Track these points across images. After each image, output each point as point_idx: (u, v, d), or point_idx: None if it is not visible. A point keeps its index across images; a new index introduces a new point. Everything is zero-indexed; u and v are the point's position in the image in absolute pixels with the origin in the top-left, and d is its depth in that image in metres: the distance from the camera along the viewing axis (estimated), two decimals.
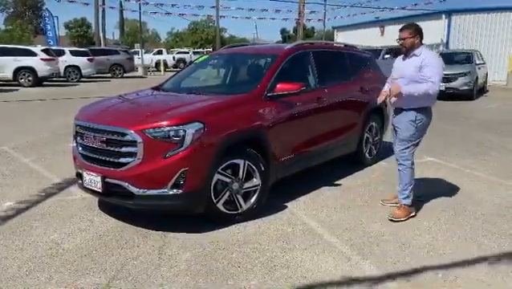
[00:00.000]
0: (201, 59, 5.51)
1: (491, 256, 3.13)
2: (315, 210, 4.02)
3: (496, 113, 10.52)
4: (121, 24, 43.59)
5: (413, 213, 3.85)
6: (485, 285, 2.75)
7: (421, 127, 3.75)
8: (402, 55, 3.89)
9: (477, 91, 14.15)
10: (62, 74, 19.21)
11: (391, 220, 3.74)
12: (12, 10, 62.83)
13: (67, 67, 19.64)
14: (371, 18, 34.15)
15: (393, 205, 4.01)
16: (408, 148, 3.78)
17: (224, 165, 3.54)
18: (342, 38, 29.63)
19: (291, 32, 64.52)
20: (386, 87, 4.00)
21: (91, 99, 5.08)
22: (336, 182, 4.83)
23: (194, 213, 3.60)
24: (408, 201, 3.82)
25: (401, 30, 3.76)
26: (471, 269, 2.95)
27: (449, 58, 14.81)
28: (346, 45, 5.84)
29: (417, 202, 4.06)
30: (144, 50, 32.64)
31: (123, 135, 3.37)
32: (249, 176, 3.72)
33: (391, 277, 2.84)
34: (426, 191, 4.52)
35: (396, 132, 3.92)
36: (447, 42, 22.36)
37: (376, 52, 17.19)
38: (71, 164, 4.07)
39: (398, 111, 3.84)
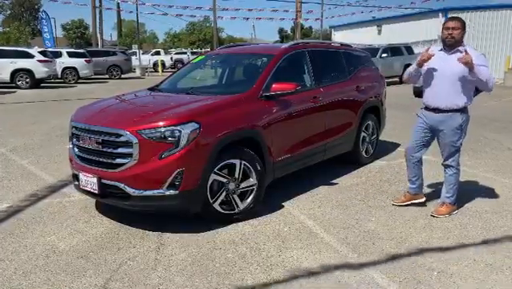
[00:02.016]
0: (197, 59, 5.52)
1: (485, 253, 3.15)
2: (312, 209, 4.03)
3: (492, 111, 10.53)
4: (119, 25, 43.60)
5: (456, 211, 3.90)
6: (479, 281, 2.76)
7: (466, 128, 3.72)
8: (438, 48, 3.68)
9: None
10: (59, 75, 19.21)
11: (432, 216, 3.80)
12: (9, 11, 62.76)
13: (64, 69, 19.64)
14: (368, 17, 34.18)
15: (402, 204, 4.06)
16: (456, 151, 3.74)
17: (220, 165, 3.55)
18: (339, 38, 29.64)
19: (289, 32, 64.61)
20: (412, 68, 3.78)
21: (89, 101, 5.08)
22: (333, 181, 4.83)
23: (190, 213, 3.61)
24: (453, 200, 3.86)
25: (452, 19, 3.57)
26: (466, 266, 2.96)
27: None
28: (342, 44, 5.85)
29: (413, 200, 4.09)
30: (141, 51, 32.60)
31: (119, 136, 3.37)
32: (245, 176, 3.72)
33: (386, 275, 2.85)
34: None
35: (430, 133, 3.82)
36: None
37: (374, 51, 17.29)
38: (68, 166, 4.07)
39: (440, 113, 3.66)
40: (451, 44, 3.55)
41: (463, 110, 3.65)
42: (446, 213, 3.83)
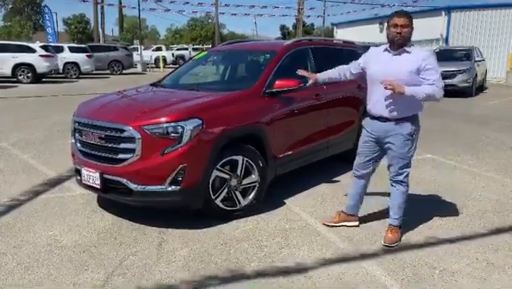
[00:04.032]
0: (199, 56, 5.51)
1: (487, 252, 3.15)
2: (313, 207, 4.03)
3: (494, 110, 10.52)
4: (120, 21, 43.54)
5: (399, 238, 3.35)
6: (481, 280, 2.77)
7: (416, 138, 3.25)
8: (382, 48, 3.24)
9: (476, 88, 14.14)
10: (61, 70, 19.19)
11: (386, 246, 3.23)
12: (11, 6, 62.64)
13: (65, 64, 19.62)
14: (370, 14, 34.11)
15: (335, 225, 3.56)
16: (406, 164, 3.24)
17: (222, 162, 3.55)
18: (341, 35, 29.57)
19: (291, 29, 64.48)
20: (334, 74, 3.46)
21: (90, 96, 5.07)
22: (334, 179, 4.83)
23: (192, 209, 3.61)
24: (399, 222, 3.34)
25: (399, 15, 3.06)
26: (467, 264, 2.96)
27: (448, 54, 14.83)
28: (344, 41, 5.83)
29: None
30: (143, 47, 32.56)
31: (122, 131, 3.37)
32: (247, 172, 3.72)
33: (387, 273, 2.85)
34: (424, 188, 4.54)
35: (377, 145, 3.32)
36: (446, 39, 22.36)
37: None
38: (70, 161, 4.08)
39: (387, 122, 3.17)
40: (400, 44, 3.06)
41: (412, 118, 3.17)
42: (395, 240, 3.26)
